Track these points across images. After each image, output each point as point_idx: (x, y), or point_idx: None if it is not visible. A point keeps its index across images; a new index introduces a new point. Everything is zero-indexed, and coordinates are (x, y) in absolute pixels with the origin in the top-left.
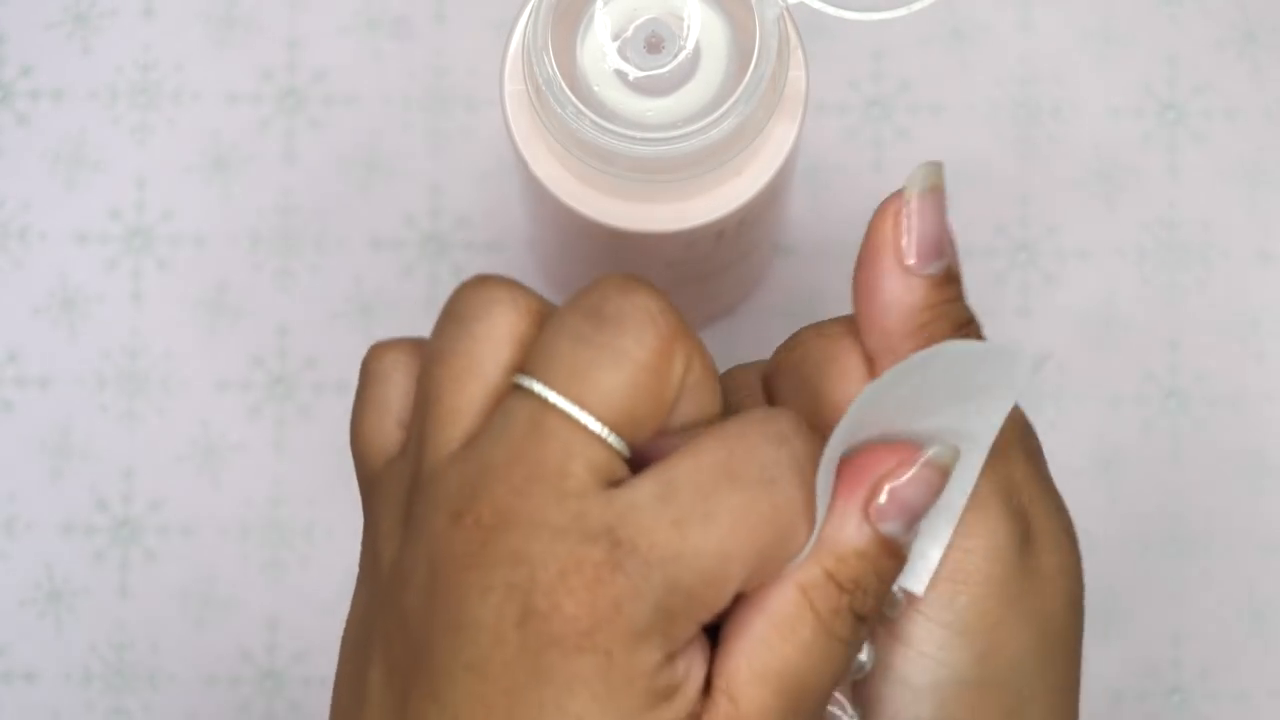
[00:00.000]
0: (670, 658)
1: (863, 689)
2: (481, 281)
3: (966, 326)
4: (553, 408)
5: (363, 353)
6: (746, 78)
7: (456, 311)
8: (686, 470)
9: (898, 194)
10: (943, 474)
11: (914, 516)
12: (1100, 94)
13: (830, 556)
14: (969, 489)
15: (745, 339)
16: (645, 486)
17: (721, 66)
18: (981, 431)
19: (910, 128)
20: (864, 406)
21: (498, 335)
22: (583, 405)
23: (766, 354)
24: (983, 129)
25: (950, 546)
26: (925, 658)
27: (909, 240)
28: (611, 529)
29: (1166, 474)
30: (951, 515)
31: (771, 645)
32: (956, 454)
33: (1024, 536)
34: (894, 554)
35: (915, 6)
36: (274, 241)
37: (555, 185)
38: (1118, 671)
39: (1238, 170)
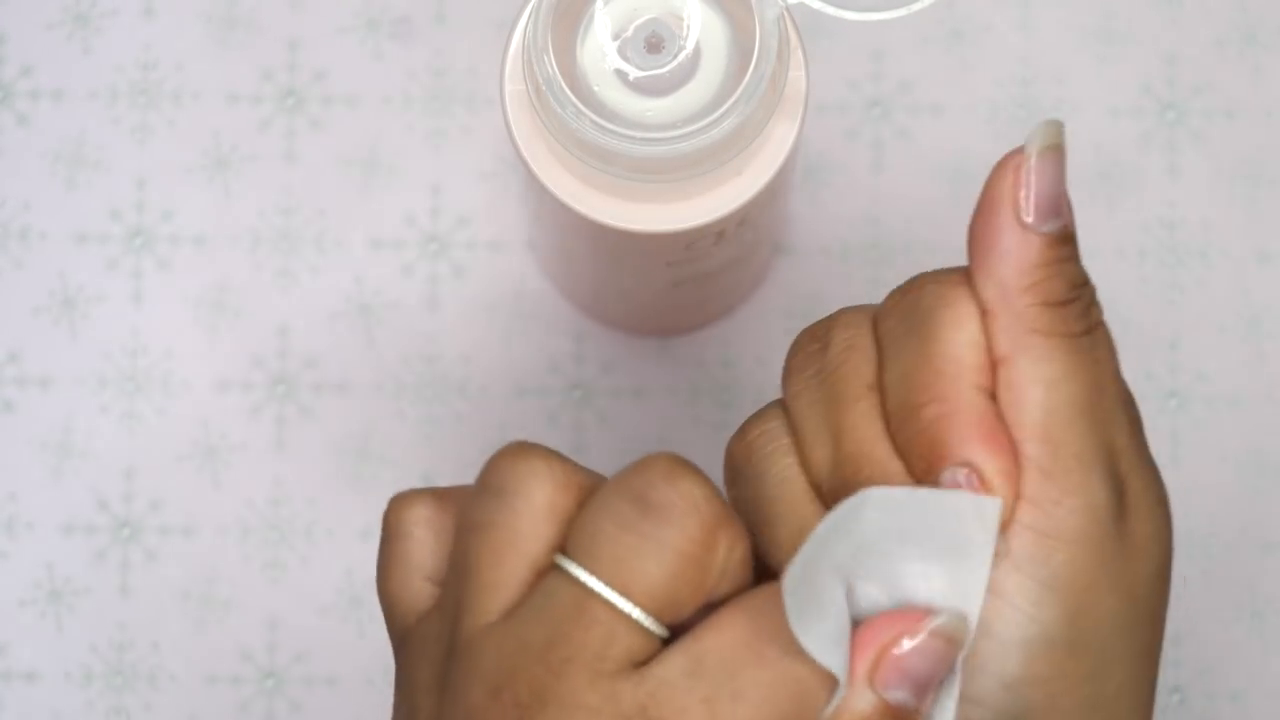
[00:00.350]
0: None
1: None
2: (520, 451)
3: (1082, 288)
4: (596, 595)
5: (363, 353)
6: (746, 78)
7: (495, 483)
8: (714, 646)
9: (1018, 150)
10: (951, 644)
11: (922, 685)
12: (1100, 94)
13: None
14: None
15: (745, 339)
16: (675, 662)
17: (721, 66)
18: (971, 595)
19: (910, 128)
20: (818, 543)
21: (537, 510)
22: (626, 594)
23: (766, 354)
24: (983, 129)
25: (1047, 501)
26: (1018, 612)
27: (1027, 196)
28: (644, 709)
29: (1166, 474)
30: (953, 686)
31: None
32: (964, 623)
33: (1119, 502)
34: (905, 719)
35: (915, 6)
36: (274, 241)
37: (555, 185)
38: None
39: (1238, 170)
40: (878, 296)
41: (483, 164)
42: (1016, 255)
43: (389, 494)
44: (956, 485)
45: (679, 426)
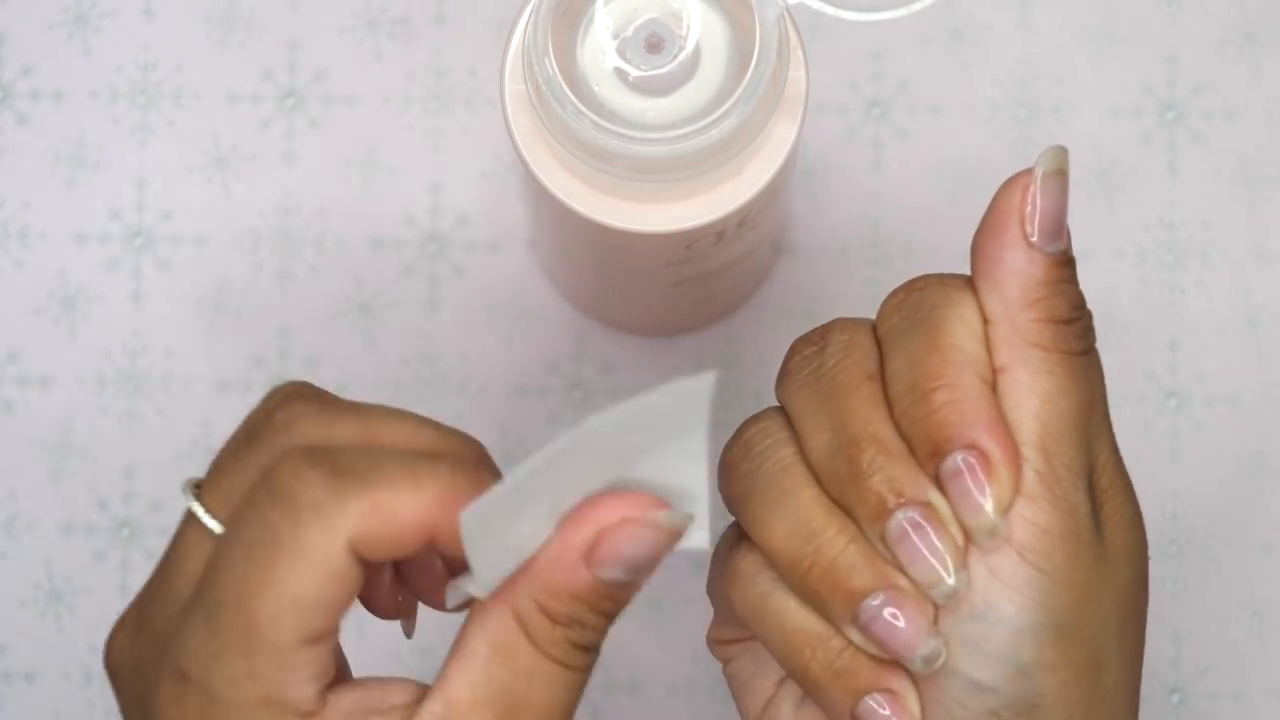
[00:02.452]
0: (306, 716)
1: (970, 631)
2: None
3: (1080, 310)
4: (193, 516)
5: (363, 353)
6: (746, 78)
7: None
8: (210, 562)
9: (1026, 171)
10: (672, 537)
11: (638, 569)
12: (1100, 94)
13: (543, 592)
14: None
15: (745, 339)
16: (193, 595)
17: (721, 66)
18: (694, 481)
19: (910, 128)
20: (572, 445)
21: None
22: (213, 513)
23: (767, 354)
24: (983, 129)
25: (1044, 501)
26: (1028, 600)
27: (1034, 215)
28: (177, 654)
29: (1166, 474)
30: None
31: (491, 671)
32: (689, 520)
33: (1098, 513)
34: (615, 596)
35: (915, 6)
36: (274, 241)
37: (555, 185)
38: None
39: (1238, 170)
40: (878, 296)
41: (483, 164)
42: (1023, 272)
43: None
44: (960, 469)
45: None
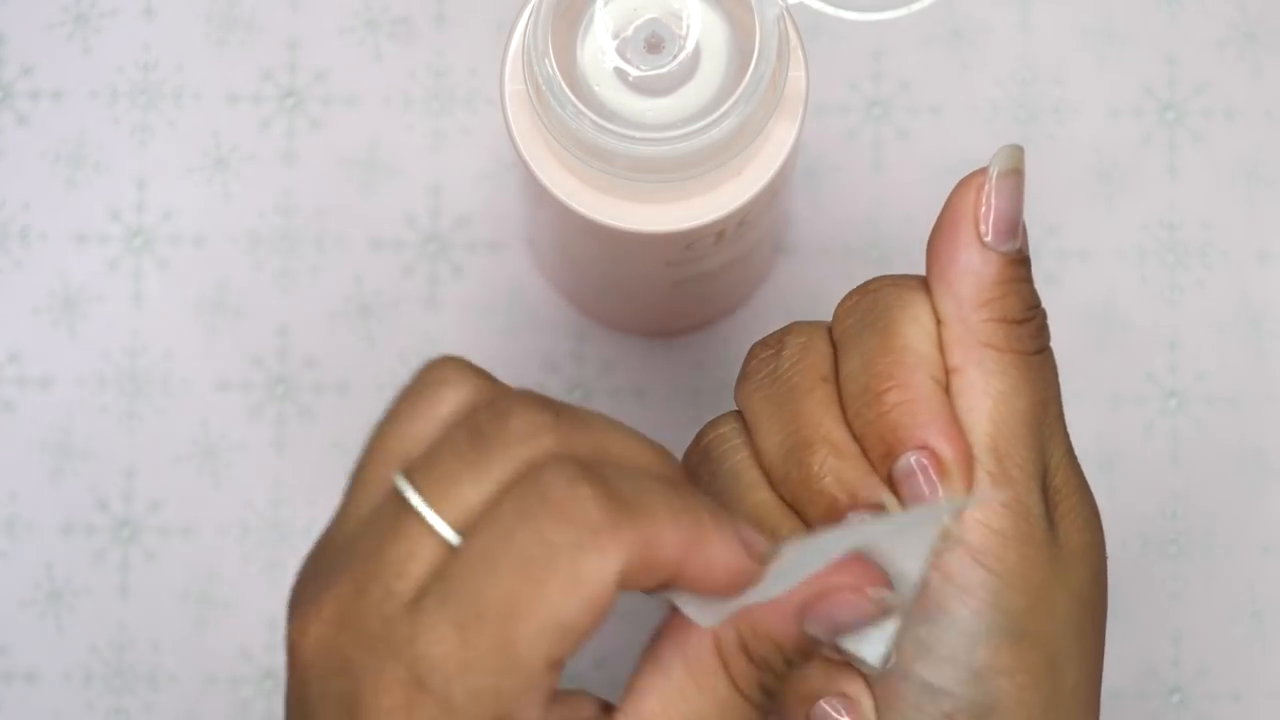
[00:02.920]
0: None
1: (925, 634)
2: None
3: (1035, 309)
4: (413, 510)
5: (363, 353)
6: (746, 78)
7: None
8: (457, 569)
9: (980, 170)
10: (883, 612)
11: (840, 632)
12: (1100, 94)
13: (749, 629)
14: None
15: (745, 339)
16: (437, 594)
17: (721, 66)
18: (908, 575)
19: (910, 128)
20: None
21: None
22: (440, 512)
23: None
24: (983, 129)
25: (996, 503)
26: (981, 602)
27: (987, 215)
28: (414, 653)
29: (1166, 474)
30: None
31: (687, 694)
32: (904, 604)
33: (1051, 514)
34: (807, 652)
35: (915, 6)
36: (274, 241)
37: (555, 185)
38: (1118, 671)
39: (1238, 170)
40: None
41: (483, 164)
42: (976, 272)
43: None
44: (913, 469)
45: (679, 426)
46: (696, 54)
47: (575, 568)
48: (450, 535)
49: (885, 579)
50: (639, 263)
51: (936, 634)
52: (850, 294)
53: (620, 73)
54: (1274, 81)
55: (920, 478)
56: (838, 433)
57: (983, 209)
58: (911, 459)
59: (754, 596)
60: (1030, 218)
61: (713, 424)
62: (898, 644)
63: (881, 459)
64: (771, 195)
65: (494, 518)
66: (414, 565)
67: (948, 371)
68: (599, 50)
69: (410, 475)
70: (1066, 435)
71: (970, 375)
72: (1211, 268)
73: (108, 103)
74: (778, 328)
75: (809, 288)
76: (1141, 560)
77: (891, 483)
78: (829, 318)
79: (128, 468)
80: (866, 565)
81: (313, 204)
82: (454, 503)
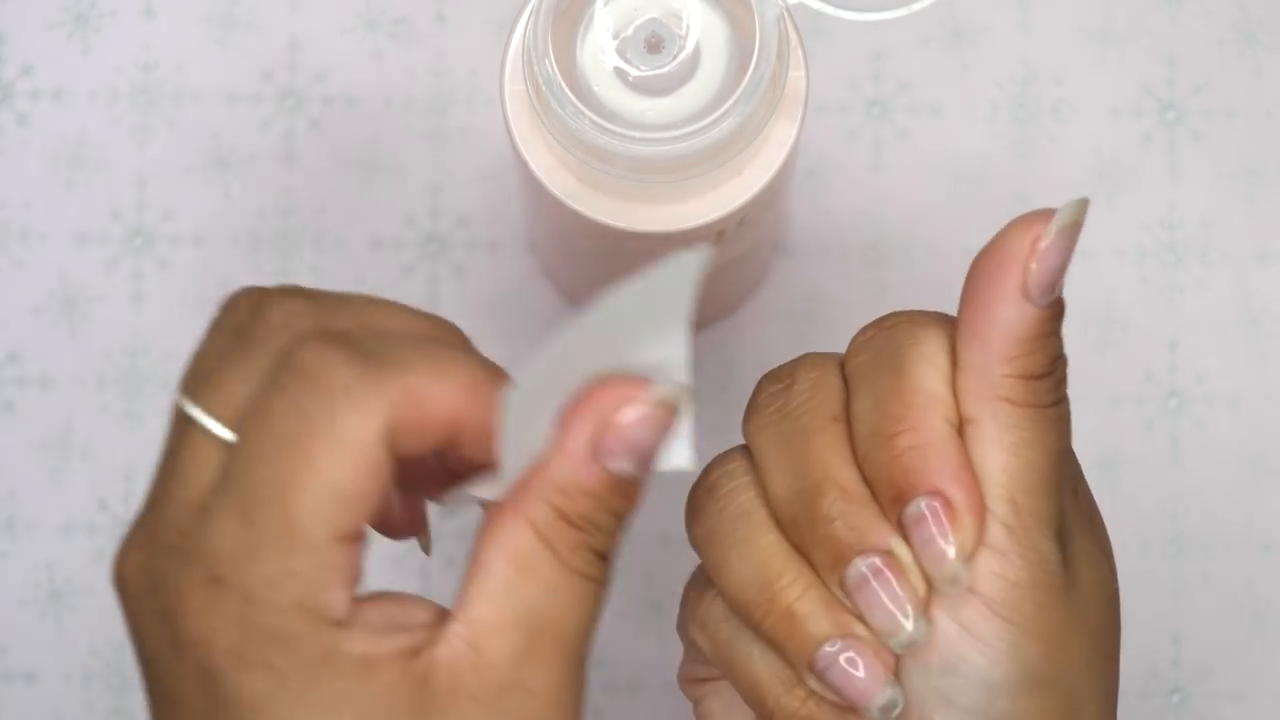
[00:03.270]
0: (339, 626)
1: (944, 685)
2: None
3: (1058, 360)
4: (190, 419)
5: None
6: (746, 78)
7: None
8: (237, 460)
9: (1038, 215)
10: (671, 412)
11: (645, 456)
12: (1100, 94)
13: (558, 494)
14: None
15: (745, 339)
16: (220, 492)
17: (721, 66)
18: (676, 359)
19: (910, 128)
20: (562, 347)
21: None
22: (220, 417)
23: (767, 354)
24: (983, 129)
25: (1012, 553)
26: (1000, 654)
27: (1037, 271)
28: (204, 551)
29: (1166, 474)
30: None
31: (514, 588)
32: (684, 391)
33: (1065, 554)
34: (626, 493)
35: (915, 6)
36: (274, 241)
37: (555, 185)
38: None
39: (1238, 170)
40: (878, 297)
41: (483, 164)
42: (1009, 326)
43: None
44: (924, 515)
45: None
46: (696, 54)
47: (334, 430)
48: (223, 432)
49: (647, 380)
50: (639, 263)
51: (956, 685)
52: (866, 328)
53: (620, 73)
54: (1274, 81)
55: (931, 523)
56: (846, 475)
57: (1034, 263)
58: (922, 504)
59: (519, 447)
60: None
61: (720, 459)
62: (920, 696)
63: (891, 502)
64: (771, 195)
65: (257, 405)
66: (199, 472)
67: (962, 419)
68: (599, 50)
69: (186, 389)
70: (1077, 469)
71: (986, 427)
72: (1211, 268)
73: (108, 103)
74: (777, 328)
75: (809, 288)
76: (1141, 560)
77: (901, 527)
78: (829, 318)
79: (128, 468)
80: (624, 380)
81: (313, 204)
82: (225, 401)
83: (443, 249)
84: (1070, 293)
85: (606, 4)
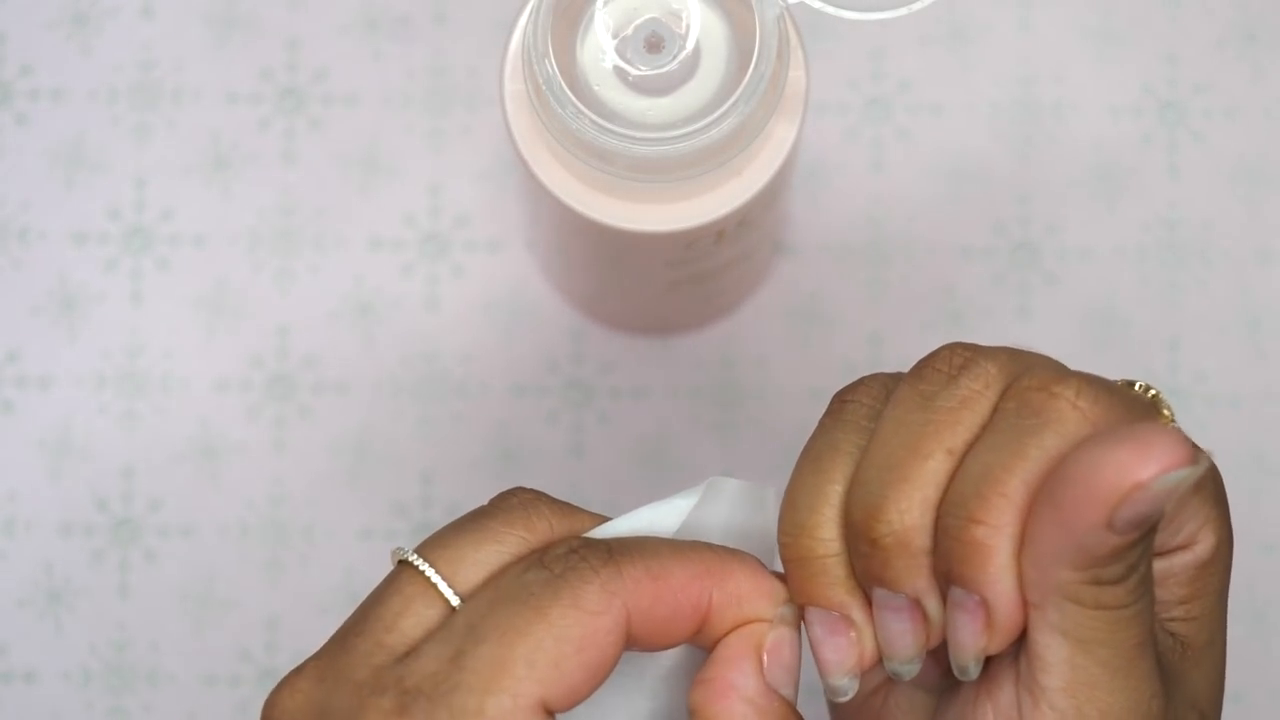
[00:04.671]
0: None
1: None
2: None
3: (1137, 563)
4: (409, 564)
5: (362, 352)
6: (746, 78)
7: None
8: (462, 613)
9: (1148, 455)
10: (796, 629)
11: (793, 673)
12: (1100, 94)
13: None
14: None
15: (745, 339)
16: (433, 636)
17: (721, 66)
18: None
19: (910, 128)
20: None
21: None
22: (435, 567)
23: (767, 354)
24: (983, 129)
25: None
26: None
27: (1130, 515)
28: (400, 679)
29: None
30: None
31: None
32: (795, 610)
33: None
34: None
35: (915, 6)
36: (274, 241)
37: (555, 185)
38: None
39: (1238, 170)
40: (878, 297)
41: (482, 164)
42: (1083, 550)
43: (389, 493)
44: (967, 605)
45: (679, 426)
46: (696, 54)
47: (576, 595)
48: (451, 595)
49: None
50: (639, 263)
51: None
52: (1040, 374)
53: (620, 72)
54: (1274, 81)
55: (969, 617)
56: (916, 516)
57: (1128, 507)
58: (971, 599)
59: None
60: (1030, 217)
61: (866, 385)
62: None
63: (943, 570)
64: (771, 195)
65: (494, 580)
66: (408, 624)
67: (1027, 605)
68: (599, 50)
69: (421, 549)
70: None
71: (1049, 615)
72: (1211, 267)
73: (107, 102)
74: (777, 328)
75: (809, 287)
76: None
77: (943, 584)
78: (829, 317)
79: (127, 468)
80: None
81: (312, 204)
82: (456, 564)
83: (443, 249)
84: (1070, 292)
85: (606, 4)
